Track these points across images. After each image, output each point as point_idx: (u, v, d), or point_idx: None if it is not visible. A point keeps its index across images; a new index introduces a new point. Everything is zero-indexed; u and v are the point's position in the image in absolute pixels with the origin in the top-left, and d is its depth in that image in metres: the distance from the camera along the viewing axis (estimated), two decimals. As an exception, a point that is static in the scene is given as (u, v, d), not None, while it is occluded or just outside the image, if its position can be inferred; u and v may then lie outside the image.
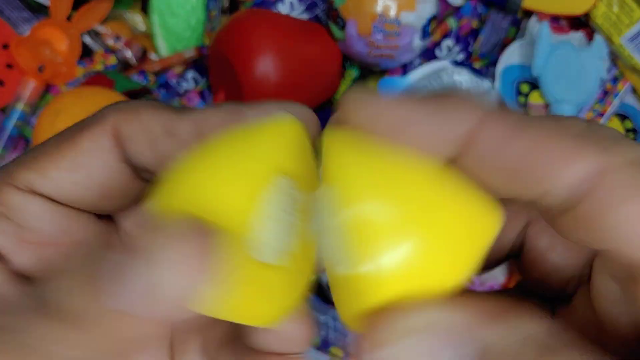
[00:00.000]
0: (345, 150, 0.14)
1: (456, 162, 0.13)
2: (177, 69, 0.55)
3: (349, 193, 0.13)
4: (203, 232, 0.12)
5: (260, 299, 0.14)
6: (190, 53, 0.54)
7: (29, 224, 0.15)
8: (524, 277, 0.17)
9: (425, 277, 0.13)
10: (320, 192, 0.15)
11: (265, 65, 0.46)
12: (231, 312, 0.13)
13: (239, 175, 0.13)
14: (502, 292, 0.18)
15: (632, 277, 0.12)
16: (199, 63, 0.55)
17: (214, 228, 0.12)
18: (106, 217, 0.17)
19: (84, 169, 0.15)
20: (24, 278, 0.15)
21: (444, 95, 0.12)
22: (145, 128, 0.15)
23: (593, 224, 0.11)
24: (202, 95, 0.54)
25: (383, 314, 0.12)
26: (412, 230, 0.13)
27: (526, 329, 0.12)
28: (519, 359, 0.11)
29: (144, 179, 0.17)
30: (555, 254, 0.16)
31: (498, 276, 0.50)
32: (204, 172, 0.13)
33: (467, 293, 0.13)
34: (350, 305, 0.14)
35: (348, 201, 0.13)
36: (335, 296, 0.16)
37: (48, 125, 0.45)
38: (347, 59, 0.54)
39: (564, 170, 0.11)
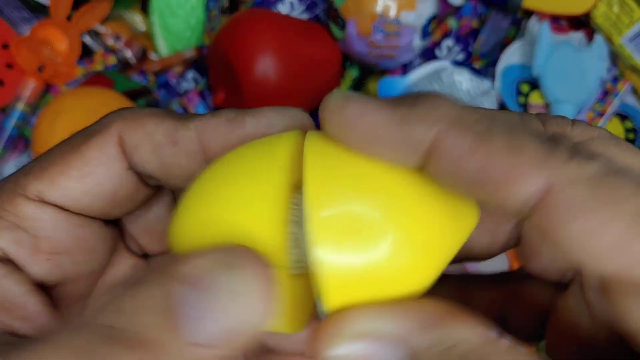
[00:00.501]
0: (319, 155, 0.14)
1: (423, 170, 0.13)
2: (177, 69, 0.55)
3: (317, 197, 0.13)
4: (259, 261, 0.12)
5: (292, 308, 0.15)
6: (190, 53, 0.54)
7: (43, 233, 0.15)
8: (523, 264, 0.18)
9: (392, 279, 0.14)
10: (298, 197, 0.15)
11: (265, 65, 0.46)
12: (272, 324, 0.14)
13: (264, 197, 0.14)
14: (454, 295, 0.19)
15: (603, 287, 0.13)
16: (199, 63, 0.55)
17: (262, 254, 0.13)
18: (112, 222, 0.18)
19: (92, 178, 0.15)
20: (42, 287, 0.16)
21: (415, 101, 0.13)
22: (150, 137, 0.16)
23: (549, 237, 0.12)
24: (202, 95, 0.54)
25: (336, 317, 0.13)
26: (380, 231, 0.13)
27: (455, 337, 0.12)
28: None
29: (149, 185, 0.17)
30: (548, 247, 0.16)
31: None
32: (230, 198, 0.14)
33: (418, 298, 0.14)
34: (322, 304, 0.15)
35: (316, 206, 0.13)
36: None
37: (48, 125, 0.45)
38: (347, 58, 0.54)
39: (514, 186, 0.12)
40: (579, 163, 0.12)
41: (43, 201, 0.15)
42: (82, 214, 0.16)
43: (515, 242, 0.18)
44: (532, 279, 0.18)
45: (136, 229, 0.18)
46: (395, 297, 0.14)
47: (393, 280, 0.14)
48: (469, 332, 0.12)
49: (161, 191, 0.18)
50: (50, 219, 0.15)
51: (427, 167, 0.13)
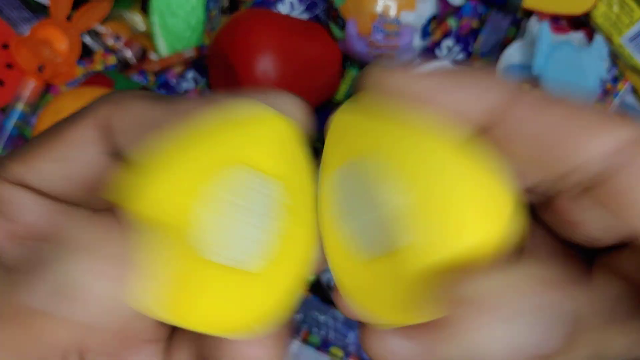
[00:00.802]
0: (374, 123, 0.13)
1: (486, 133, 0.12)
2: (177, 69, 0.55)
3: (390, 167, 0.12)
4: (126, 227, 0.11)
5: (223, 306, 0.13)
6: (190, 53, 0.54)
7: (20, 218, 0.15)
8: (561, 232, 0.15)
9: (470, 242, 0.12)
10: (339, 174, 0.14)
11: (265, 65, 0.46)
12: (189, 319, 0.13)
13: (184, 168, 0.13)
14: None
15: None
16: (199, 63, 0.55)
17: (143, 223, 0.12)
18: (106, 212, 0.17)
19: (72, 162, 0.15)
20: None
21: (476, 69, 0.13)
22: (137, 120, 0.15)
23: (625, 199, 0.11)
24: (201, 95, 0.54)
25: (451, 286, 0.11)
26: (452, 196, 0.12)
27: (608, 290, 0.11)
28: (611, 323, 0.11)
29: None
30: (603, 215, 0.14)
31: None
32: (155, 165, 0.13)
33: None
34: (379, 292, 0.13)
35: (392, 177, 0.12)
36: (349, 288, 0.15)
37: (48, 125, 0.45)
38: (347, 58, 0.54)
39: (596, 139, 0.11)
40: None
41: (24, 185, 0.15)
42: (65, 200, 0.15)
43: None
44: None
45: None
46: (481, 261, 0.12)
47: (473, 243, 0.12)
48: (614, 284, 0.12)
49: None
50: (29, 202, 0.15)
51: (493, 129, 0.12)
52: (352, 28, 0.49)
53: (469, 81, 0.12)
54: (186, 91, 0.55)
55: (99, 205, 0.16)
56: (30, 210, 0.15)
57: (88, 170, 0.15)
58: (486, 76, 0.12)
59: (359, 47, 0.50)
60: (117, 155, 0.15)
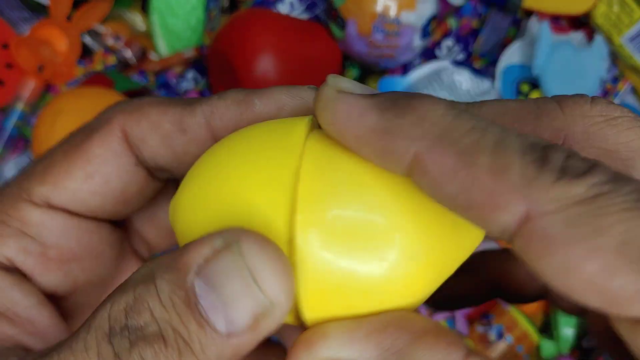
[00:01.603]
0: (320, 153, 0.13)
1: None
2: (177, 69, 0.55)
3: (311, 195, 0.13)
4: (269, 244, 0.12)
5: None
6: (190, 53, 0.54)
7: (51, 240, 0.15)
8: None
9: (379, 291, 0.13)
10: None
11: (265, 65, 0.46)
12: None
13: (272, 179, 0.13)
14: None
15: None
16: (199, 63, 0.55)
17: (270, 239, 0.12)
18: (118, 226, 0.17)
19: (99, 177, 0.15)
20: (51, 298, 0.15)
21: (405, 107, 0.12)
22: (155, 127, 0.15)
23: (531, 268, 0.11)
24: (202, 95, 0.54)
25: (307, 337, 0.13)
26: (379, 239, 0.12)
27: None
28: None
29: (157, 178, 0.16)
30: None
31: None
32: (237, 178, 0.13)
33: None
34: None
35: (309, 203, 0.12)
36: None
37: (48, 125, 0.45)
38: (347, 58, 0.54)
39: (495, 212, 0.11)
40: (565, 185, 0.10)
41: (50, 206, 0.14)
42: (91, 217, 0.15)
43: None
44: None
45: (145, 227, 0.17)
46: (380, 309, 0.13)
47: (380, 293, 0.13)
48: (432, 355, 0.12)
49: (167, 185, 0.17)
50: (58, 224, 0.15)
51: (413, 178, 0.12)
52: (352, 28, 0.49)
53: (394, 126, 0.12)
54: (186, 91, 0.55)
55: (127, 213, 0.16)
56: (60, 232, 0.15)
57: (119, 182, 0.15)
58: (414, 120, 0.12)
59: (359, 46, 0.50)
60: (141, 164, 0.15)
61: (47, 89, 0.53)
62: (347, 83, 0.13)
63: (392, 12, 0.48)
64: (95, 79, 0.51)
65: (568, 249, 0.10)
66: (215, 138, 0.15)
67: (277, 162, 0.13)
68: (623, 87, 0.58)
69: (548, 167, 0.11)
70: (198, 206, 0.13)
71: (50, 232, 0.15)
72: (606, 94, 0.57)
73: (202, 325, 0.11)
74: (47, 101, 0.53)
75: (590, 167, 0.11)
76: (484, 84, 0.54)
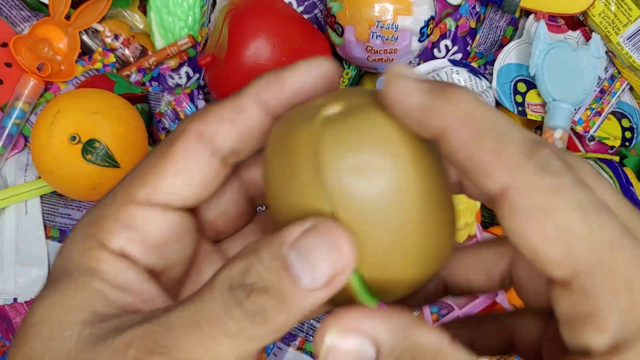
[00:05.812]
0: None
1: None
2: (171, 63, 0.55)
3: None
4: (339, 228, 0.16)
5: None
6: (184, 41, 0.54)
7: (150, 231, 0.18)
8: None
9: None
10: None
11: (257, 47, 0.46)
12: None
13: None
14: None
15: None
16: (193, 61, 0.55)
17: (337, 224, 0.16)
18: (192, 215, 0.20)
19: (185, 172, 0.18)
20: (152, 273, 0.19)
21: (444, 90, 0.16)
22: (219, 117, 0.18)
23: (503, 227, 0.15)
24: (191, 94, 0.54)
25: (337, 313, 0.16)
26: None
27: (417, 339, 0.16)
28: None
29: (229, 164, 0.19)
30: (534, 283, 0.20)
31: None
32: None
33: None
34: None
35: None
36: None
37: (47, 125, 0.45)
38: (345, 62, 0.54)
39: (486, 179, 0.15)
40: (540, 177, 0.15)
41: (150, 204, 0.18)
42: (179, 208, 0.19)
43: (511, 281, 0.21)
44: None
45: (213, 214, 0.21)
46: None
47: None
48: (428, 335, 0.16)
49: (230, 177, 0.21)
50: (156, 217, 0.18)
51: (439, 143, 0.16)
52: (350, 34, 0.49)
53: (437, 102, 0.16)
54: (178, 85, 0.55)
55: (204, 200, 0.20)
56: (157, 224, 0.19)
57: (198, 175, 0.19)
58: (450, 100, 0.16)
59: (357, 52, 0.50)
60: (216, 155, 0.19)
61: (47, 88, 0.54)
62: (405, 70, 0.17)
63: (389, 18, 0.48)
64: (97, 79, 0.51)
65: (528, 217, 0.15)
66: (267, 110, 0.19)
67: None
68: (620, 86, 0.58)
69: (532, 160, 0.15)
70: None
71: (149, 225, 0.18)
72: (603, 92, 0.57)
73: (293, 282, 0.15)
74: (47, 99, 0.53)
75: (563, 169, 0.15)
76: (482, 83, 0.55)
